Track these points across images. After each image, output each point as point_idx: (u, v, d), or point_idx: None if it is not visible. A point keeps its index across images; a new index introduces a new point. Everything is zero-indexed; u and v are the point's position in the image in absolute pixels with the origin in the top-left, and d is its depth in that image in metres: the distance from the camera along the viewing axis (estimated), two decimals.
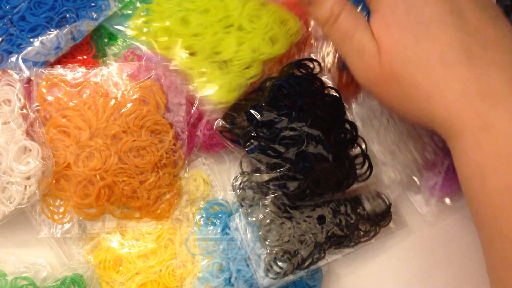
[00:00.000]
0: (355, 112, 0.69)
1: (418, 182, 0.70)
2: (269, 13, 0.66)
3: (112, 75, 0.67)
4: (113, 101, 0.66)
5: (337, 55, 0.70)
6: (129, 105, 0.66)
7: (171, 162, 0.67)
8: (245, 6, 0.66)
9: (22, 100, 0.65)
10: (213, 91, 0.63)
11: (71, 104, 0.66)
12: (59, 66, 0.68)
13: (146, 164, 0.65)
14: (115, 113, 0.65)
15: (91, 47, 0.71)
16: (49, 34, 0.67)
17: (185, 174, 0.69)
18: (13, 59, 0.66)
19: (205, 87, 0.63)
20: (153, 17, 0.66)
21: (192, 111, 0.68)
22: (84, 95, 0.66)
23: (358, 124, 0.68)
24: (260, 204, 0.65)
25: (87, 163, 0.64)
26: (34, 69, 0.67)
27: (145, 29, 0.66)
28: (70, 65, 0.68)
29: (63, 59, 0.70)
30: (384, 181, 0.67)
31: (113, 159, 0.64)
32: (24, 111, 0.65)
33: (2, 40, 0.67)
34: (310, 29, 0.71)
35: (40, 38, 0.67)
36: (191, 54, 0.64)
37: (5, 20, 0.67)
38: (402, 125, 0.68)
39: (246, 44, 0.64)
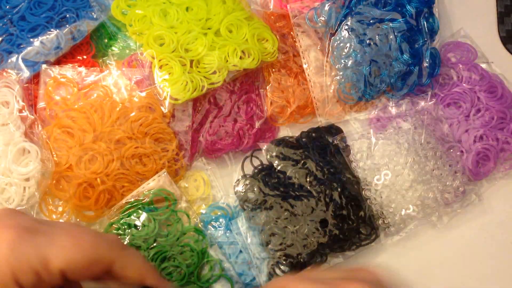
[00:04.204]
0: (380, 143, 0.70)
1: (435, 223, 0.71)
2: (250, 27, 0.68)
3: (120, 80, 0.67)
4: (119, 106, 0.65)
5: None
6: (135, 111, 0.66)
7: (173, 171, 0.67)
8: (228, 14, 0.68)
9: (21, 102, 0.64)
10: (168, 84, 0.64)
11: (77, 105, 0.65)
12: (68, 65, 0.68)
13: (147, 172, 0.65)
14: (121, 118, 0.65)
15: (91, 47, 0.71)
16: (49, 34, 0.67)
17: (185, 184, 0.69)
18: (13, 59, 0.66)
19: (163, 79, 0.65)
20: (136, 2, 0.68)
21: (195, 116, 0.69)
22: (92, 97, 0.66)
23: (376, 156, 0.69)
24: (263, 208, 0.65)
25: (89, 166, 0.64)
26: (43, 67, 0.66)
27: (125, 11, 0.68)
28: (76, 65, 0.68)
29: (63, 59, 0.69)
30: (401, 214, 0.68)
31: (115, 164, 0.63)
32: (23, 113, 0.65)
33: (2, 40, 0.66)
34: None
35: (40, 38, 0.66)
36: (160, 45, 0.66)
37: (5, 20, 0.66)
38: (426, 164, 0.69)
39: (216, 51, 0.66)
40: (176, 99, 0.65)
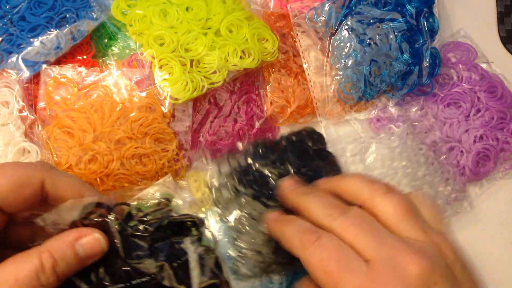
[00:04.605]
0: (372, 148, 0.70)
1: None
2: (250, 27, 0.68)
3: (120, 80, 0.67)
4: (119, 106, 0.65)
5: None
6: (135, 111, 0.66)
7: (173, 172, 0.67)
8: (228, 14, 0.68)
9: (21, 102, 0.65)
10: (169, 84, 0.64)
11: (77, 105, 0.65)
12: (69, 65, 0.68)
13: (147, 172, 0.65)
14: (121, 118, 0.65)
15: (91, 47, 0.71)
16: (49, 34, 0.67)
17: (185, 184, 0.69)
18: (13, 59, 0.66)
19: (163, 79, 0.65)
20: (136, 2, 0.68)
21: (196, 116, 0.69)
22: (92, 97, 0.66)
23: (369, 161, 0.69)
24: (235, 205, 0.64)
25: (89, 166, 0.64)
26: (43, 67, 0.66)
27: (125, 11, 0.68)
28: (76, 65, 0.68)
29: (63, 59, 0.69)
30: None
31: (115, 164, 0.63)
32: (23, 113, 0.65)
33: (2, 40, 0.66)
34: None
35: (40, 38, 0.66)
36: (160, 45, 0.66)
37: (5, 20, 0.66)
38: (418, 170, 0.69)
39: (217, 50, 0.66)
40: (176, 99, 0.65)
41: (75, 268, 0.38)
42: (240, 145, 0.68)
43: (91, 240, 0.38)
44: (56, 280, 0.36)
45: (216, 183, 0.66)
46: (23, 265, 0.36)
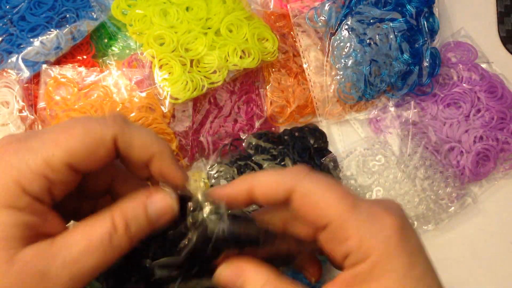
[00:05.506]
0: (368, 160, 0.70)
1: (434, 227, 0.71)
2: (250, 27, 0.69)
3: (120, 80, 0.67)
4: (119, 106, 0.65)
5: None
6: (135, 111, 0.66)
7: None
8: (228, 13, 0.68)
9: (21, 102, 0.65)
10: (169, 84, 0.64)
11: (77, 105, 0.65)
12: (69, 65, 0.68)
13: None
14: None
15: (91, 47, 0.71)
16: (49, 34, 0.67)
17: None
18: (13, 59, 0.66)
19: (163, 79, 0.65)
20: (137, 2, 0.68)
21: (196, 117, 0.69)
22: (92, 98, 0.66)
23: (366, 173, 0.69)
24: None
25: None
26: (43, 67, 0.66)
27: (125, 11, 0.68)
28: (76, 65, 0.68)
29: (63, 59, 0.69)
30: None
31: None
32: (23, 113, 0.65)
33: (2, 40, 0.66)
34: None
35: (40, 38, 0.66)
36: (161, 44, 0.66)
37: (5, 20, 0.66)
38: (417, 175, 0.69)
39: (217, 50, 0.66)
40: (176, 99, 0.65)
41: (145, 230, 0.36)
42: (242, 136, 0.68)
43: (162, 198, 0.37)
44: (128, 242, 0.35)
45: (215, 172, 0.66)
46: (96, 227, 0.34)
